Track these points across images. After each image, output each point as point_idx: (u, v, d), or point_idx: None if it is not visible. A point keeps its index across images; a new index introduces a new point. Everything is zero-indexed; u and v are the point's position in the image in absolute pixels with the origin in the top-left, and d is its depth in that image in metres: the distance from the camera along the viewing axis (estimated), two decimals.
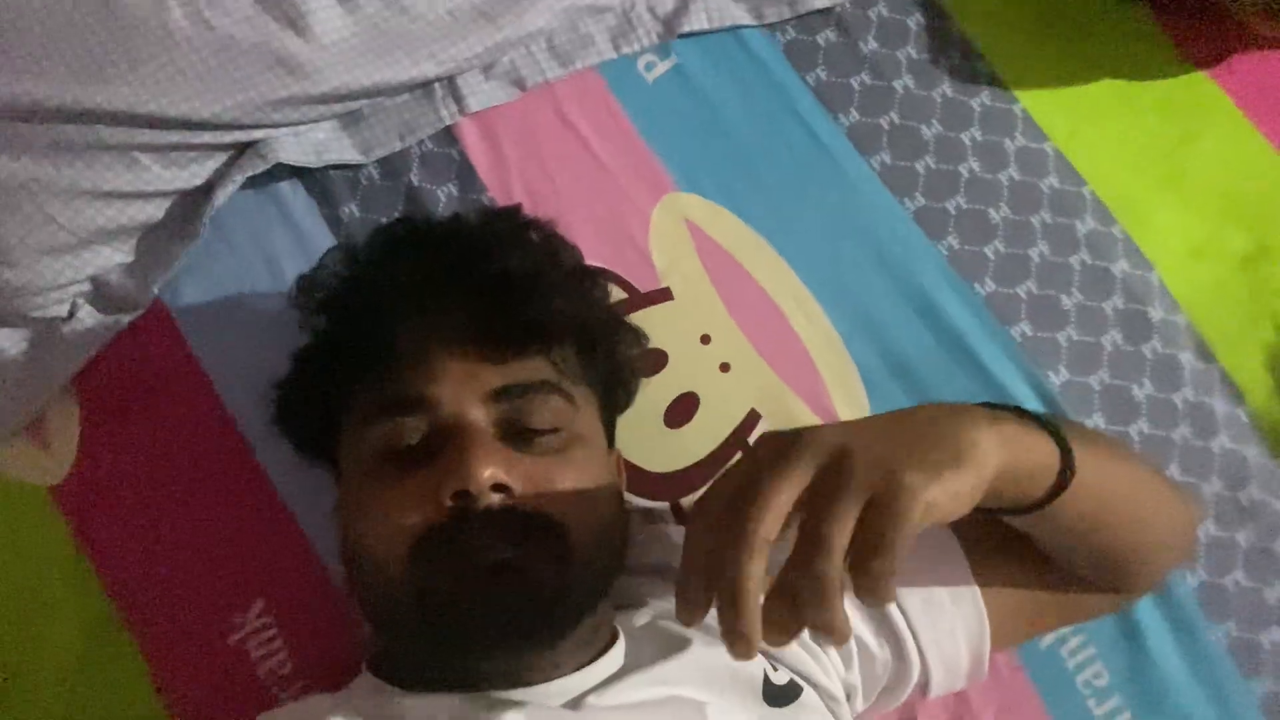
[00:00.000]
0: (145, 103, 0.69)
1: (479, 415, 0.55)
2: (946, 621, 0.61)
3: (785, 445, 0.42)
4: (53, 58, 0.69)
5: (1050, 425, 0.49)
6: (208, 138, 0.72)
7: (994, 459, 0.44)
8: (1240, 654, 0.73)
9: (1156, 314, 0.78)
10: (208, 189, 0.74)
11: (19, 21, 0.68)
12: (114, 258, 0.75)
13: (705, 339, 0.77)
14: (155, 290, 0.74)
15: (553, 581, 0.53)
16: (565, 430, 0.57)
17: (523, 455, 0.55)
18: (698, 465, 0.74)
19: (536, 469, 0.54)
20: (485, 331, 0.57)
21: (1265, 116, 0.83)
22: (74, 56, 0.69)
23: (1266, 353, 0.78)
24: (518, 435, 0.56)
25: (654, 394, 0.74)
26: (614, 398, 0.66)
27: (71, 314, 0.75)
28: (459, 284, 0.59)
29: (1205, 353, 0.78)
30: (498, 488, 0.53)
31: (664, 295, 0.77)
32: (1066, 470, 0.48)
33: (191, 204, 0.74)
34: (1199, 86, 0.83)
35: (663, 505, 0.73)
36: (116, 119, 0.69)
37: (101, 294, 0.75)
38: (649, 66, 0.81)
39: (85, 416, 0.75)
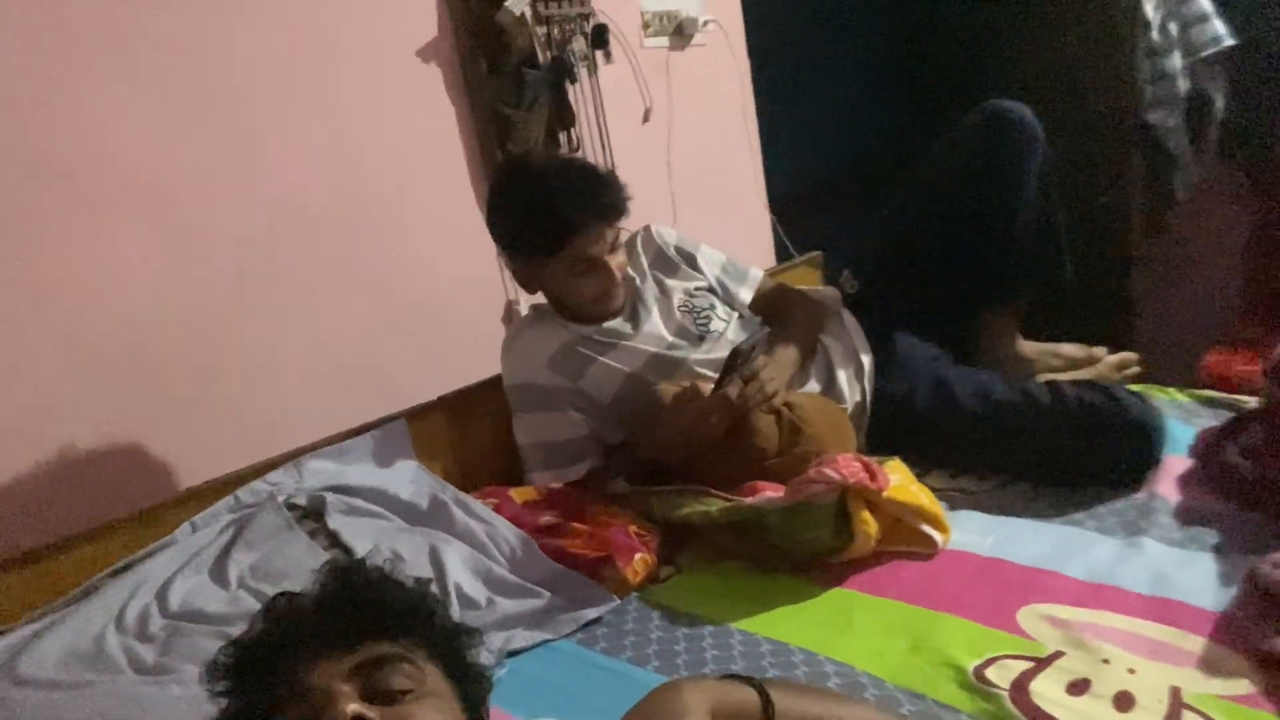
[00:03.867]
0: None
1: (344, 686, 0.73)
2: None
3: None
4: None
5: (755, 682, 0.78)
6: None
7: (703, 708, 0.72)
8: None
9: (864, 679, 1.10)
10: None
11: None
12: None
13: None
14: None
15: None
16: (418, 690, 0.75)
17: (383, 707, 0.73)
18: None
19: (394, 711, 0.73)
20: (337, 630, 0.76)
21: (894, 592, 1.29)
22: None
23: (957, 684, 1.08)
24: (378, 698, 0.73)
25: None
26: (467, 683, 0.82)
27: None
28: (314, 606, 0.80)
29: (917, 694, 1.07)
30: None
31: None
32: (768, 704, 0.77)
33: None
34: (842, 593, 1.32)
35: None
36: None
37: None
38: (495, 675, 1.22)
39: None
